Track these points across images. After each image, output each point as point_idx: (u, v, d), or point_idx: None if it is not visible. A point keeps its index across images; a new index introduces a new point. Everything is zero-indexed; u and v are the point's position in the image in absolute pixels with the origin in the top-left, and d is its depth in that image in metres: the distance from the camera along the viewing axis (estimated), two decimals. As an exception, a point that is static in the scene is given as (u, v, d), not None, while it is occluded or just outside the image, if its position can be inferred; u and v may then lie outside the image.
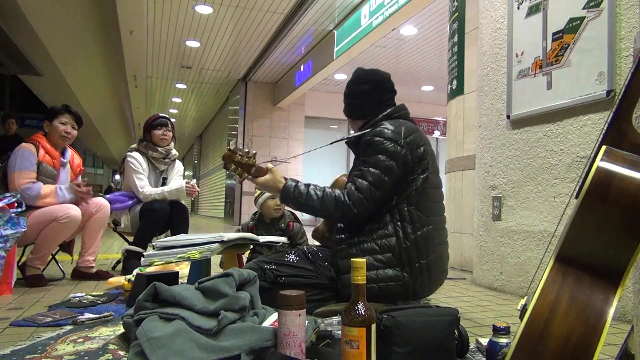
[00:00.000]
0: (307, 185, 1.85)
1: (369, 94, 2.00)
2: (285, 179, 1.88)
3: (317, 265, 1.84)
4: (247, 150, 1.91)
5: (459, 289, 2.89)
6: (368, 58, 8.44)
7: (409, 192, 1.80)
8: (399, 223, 1.79)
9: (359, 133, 1.96)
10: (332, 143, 2.21)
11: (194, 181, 3.36)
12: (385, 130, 1.83)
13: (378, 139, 1.81)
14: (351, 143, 2.02)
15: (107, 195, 3.20)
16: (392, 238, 1.78)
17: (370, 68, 2.10)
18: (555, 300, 0.89)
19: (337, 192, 1.82)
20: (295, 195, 1.83)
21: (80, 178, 2.99)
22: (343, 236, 1.88)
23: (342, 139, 2.16)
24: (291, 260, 1.85)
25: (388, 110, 1.97)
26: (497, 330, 1.30)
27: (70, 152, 2.95)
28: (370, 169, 1.79)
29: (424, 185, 1.82)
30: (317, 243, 2.33)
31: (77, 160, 3.02)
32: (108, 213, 2.92)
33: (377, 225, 1.82)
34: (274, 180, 1.86)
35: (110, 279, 2.57)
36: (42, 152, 2.71)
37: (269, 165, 1.89)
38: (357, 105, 2.04)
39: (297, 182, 1.86)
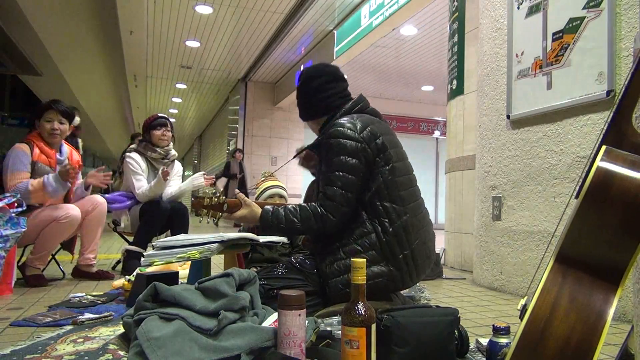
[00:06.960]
0: (284, 209, 1.82)
1: (326, 87, 1.96)
2: (262, 207, 1.87)
3: (306, 273, 1.83)
4: (214, 191, 1.91)
5: (459, 289, 2.89)
6: (368, 58, 8.44)
7: (378, 186, 1.79)
8: (375, 219, 1.78)
9: (318, 139, 1.94)
10: (295, 156, 2.23)
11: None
12: (341, 129, 1.80)
13: (334, 140, 1.79)
14: (315, 148, 1.99)
15: (106, 195, 3.18)
16: (372, 235, 1.77)
17: (316, 64, 2.07)
18: (555, 300, 0.89)
19: (313, 205, 1.80)
20: (274, 223, 1.81)
21: (80, 176, 2.97)
22: (325, 242, 1.86)
23: (302, 150, 2.15)
24: (280, 272, 1.85)
25: (348, 105, 1.93)
26: (497, 330, 1.31)
27: (67, 148, 2.87)
28: (336, 172, 1.77)
29: (392, 176, 1.80)
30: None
31: (76, 156, 2.94)
32: (105, 210, 2.88)
33: (354, 225, 1.80)
34: (250, 212, 1.87)
35: (114, 282, 2.56)
36: (36, 151, 2.66)
37: (240, 195, 1.89)
38: (316, 101, 1.98)
39: (273, 207, 1.85)
